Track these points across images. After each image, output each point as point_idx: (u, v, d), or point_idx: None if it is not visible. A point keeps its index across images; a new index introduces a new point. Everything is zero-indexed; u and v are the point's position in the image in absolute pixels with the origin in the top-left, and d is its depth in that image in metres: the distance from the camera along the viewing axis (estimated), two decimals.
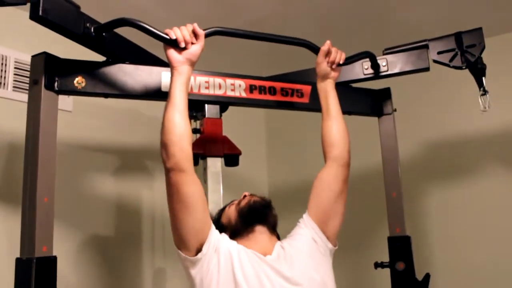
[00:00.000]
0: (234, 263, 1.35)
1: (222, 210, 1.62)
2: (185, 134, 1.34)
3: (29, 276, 1.32)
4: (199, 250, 1.35)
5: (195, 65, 1.43)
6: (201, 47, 1.41)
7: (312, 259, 1.45)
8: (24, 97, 1.88)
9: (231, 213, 1.53)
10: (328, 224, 1.53)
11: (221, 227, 1.51)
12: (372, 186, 2.29)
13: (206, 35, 1.44)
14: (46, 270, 1.36)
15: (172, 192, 1.34)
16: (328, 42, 1.66)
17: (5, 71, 2.02)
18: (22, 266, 1.36)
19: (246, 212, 1.49)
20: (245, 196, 1.57)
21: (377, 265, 2.00)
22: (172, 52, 1.38)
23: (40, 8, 1.28)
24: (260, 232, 1.48)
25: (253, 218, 1.48)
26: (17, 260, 1.38)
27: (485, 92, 1.84)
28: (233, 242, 1.43)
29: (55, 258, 1.40)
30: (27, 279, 1.32)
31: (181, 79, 1.38)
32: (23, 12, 1.28)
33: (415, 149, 2.72)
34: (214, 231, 1.40)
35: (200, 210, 1.36)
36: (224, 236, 1.45)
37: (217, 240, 1.39)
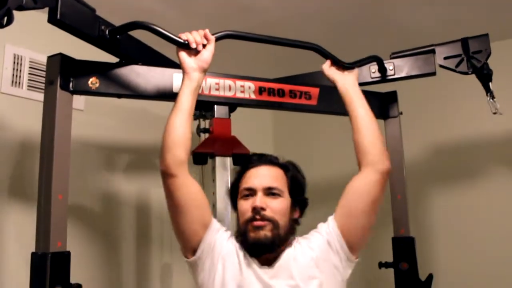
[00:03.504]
0: (218, 267, 1.36)
1: (236, 194, 1.45)
2: (181, 140, 1.34)
3: (45, 270, 1.36)
4: (195, 251, 1.38)
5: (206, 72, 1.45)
6: (211, 52, 1.42)
7: (315, 268, 1.36)
8: (39, 96, 1.93)
9: (242, 218, 1.40)
10: (353, 235, 1.40)
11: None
12: None
13: (217, 39, 1.47)
14: (61, 264, 1.41)
15: (166, 196, 1.38)
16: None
17: (21, 71, 2.06)
18: (38, 260, 1.40)
19: (248, 246, 1.37)
20: (255, 211, 1.35)
21: (381, 265, 2.04)
22: (184, 56, 1.41)
23: (58, 12, 1.31)
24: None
25: (253, 253, 1.37)
26: (33, 254, 1.42)
27: (492, 97, 1.86)
28: (230, 244, 1.40)
29: (69, 253, 1.44)
30: (43, 273, 1.36)
31: (191, 85, 1.39)
32: (37, 12, 1.31)
33: (420, 151, 2.75)
34: (211, 231, 1.39)
35: (194, 213, 1.36)
36: (222, 235, 1.42)
37: (213, 240, 1.39)
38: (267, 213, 1.36)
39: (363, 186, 1.41)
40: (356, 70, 1.64)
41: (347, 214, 1.41)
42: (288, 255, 1.38)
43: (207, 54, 1.42)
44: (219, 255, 1.37)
